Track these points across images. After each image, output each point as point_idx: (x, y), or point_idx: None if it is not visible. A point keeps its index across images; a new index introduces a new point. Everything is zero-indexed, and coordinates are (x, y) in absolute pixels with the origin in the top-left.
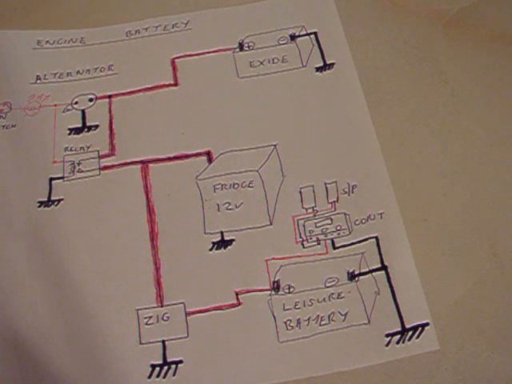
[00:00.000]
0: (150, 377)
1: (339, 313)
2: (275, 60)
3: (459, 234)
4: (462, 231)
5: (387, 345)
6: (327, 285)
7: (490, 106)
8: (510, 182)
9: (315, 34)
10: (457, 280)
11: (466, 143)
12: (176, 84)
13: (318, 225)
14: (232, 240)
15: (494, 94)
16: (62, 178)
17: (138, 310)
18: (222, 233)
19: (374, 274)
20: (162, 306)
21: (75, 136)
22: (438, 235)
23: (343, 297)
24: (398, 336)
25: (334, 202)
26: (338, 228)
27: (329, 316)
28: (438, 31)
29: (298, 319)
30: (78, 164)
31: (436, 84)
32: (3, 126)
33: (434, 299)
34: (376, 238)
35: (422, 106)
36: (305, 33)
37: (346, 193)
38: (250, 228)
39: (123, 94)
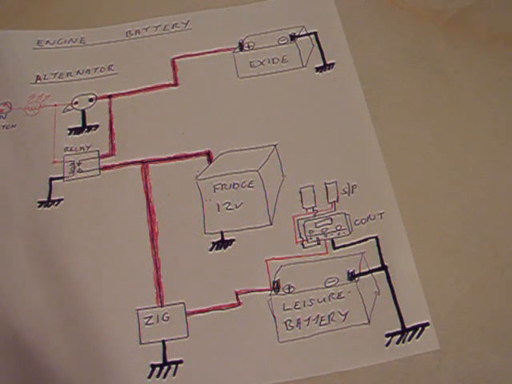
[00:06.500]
0: (149, 377)
1: (339, 313)
2: (275, 60)
3: (459, 234)
4: (462, 231)
5: (387, 345)
6: (327, 285)
7: (490, 105)
8: (511, 182)
9: (315, 34)
10: (457, 280)
11: (466, 143)
12: (176, 84)
13: (318, 225)
14: (232, 240)
15: (494, 93)
16: (62, 178)
17: (137, 310)
18: (222, 233)
19: (374, 274)
20: (162, 306)
21: (75, 136)
22: (438, 235)
23: (343, 297)
24: (398, 336)
25: (334, 201)
26: (338, 228)
27: (329, 316)
28: (438, 31)
29: (298, 319)
30: (78, 164)
31: (436, 84)
32: (3, 126)
33: (434, 299)
34: (376, 238)
35: (422, 105)
36: (305, 33)
37: (346, 193)
38: (250, 228)
39: (123, 94)
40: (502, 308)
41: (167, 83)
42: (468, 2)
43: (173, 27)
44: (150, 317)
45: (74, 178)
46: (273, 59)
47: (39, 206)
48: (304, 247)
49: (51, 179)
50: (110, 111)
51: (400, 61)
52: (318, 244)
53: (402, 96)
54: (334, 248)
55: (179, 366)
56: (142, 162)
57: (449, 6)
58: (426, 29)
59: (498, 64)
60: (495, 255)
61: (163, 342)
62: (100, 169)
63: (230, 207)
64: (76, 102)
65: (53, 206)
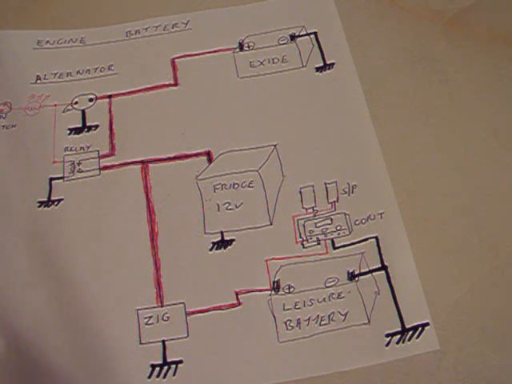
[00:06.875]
0: (149, 377)
1: (339, 313)
2: (275, 60)
3: (459, 234)
4: (462, 231)
5: (387, 345)
6: (327, 285)
7: (489, 105)
8: (510, 182)
9: (315, 34)
10: (457, 280)
11: (465, 143)
12: (176, 84)
13: (318, 225)
14: (232, 240)
15: (493, 93)
16: (62, 178)
17: (138, 310)
18: (222, 233)
19: (374, 273)
20: (162, 306)
21: (75, 136)
22: (438, 235)
23: (343, 297)
24: (398, 336)
25: (334, 201)
26: (338, 228)
27: (329, 316)
28: (437, 31)
29: (298, 319)
30: (78, 164)
31: (436, 84)
32: (3, 126)
33: (434, 299)
34: (376, 238)
35: (422, 105)
36: (305, 33)
37: (345, 193)
38: (250, 228)
39: (123, 94)
40: (502, 308)
41: (167, 83)
42: (468, 1)
43: (173, 27)
44: (150, 317)
45: (74, 178)
46: (273, 59)
47: (39, 206)
48: (304, 247)
49: (51, 179)
50: (109, 111)
51: (400, 61)
52: (318, 244)
53: (402, 96)
54: (334, 248)
55: (179, 365)
56: (142, 161)
57: (449, 5)
58: (426, 29)
59: (498, 64)
60: (495, 255)
61: (163, 341)
62: (100, 169)
63: (230, 207)
64: (76, 102)
65: (53, 206)
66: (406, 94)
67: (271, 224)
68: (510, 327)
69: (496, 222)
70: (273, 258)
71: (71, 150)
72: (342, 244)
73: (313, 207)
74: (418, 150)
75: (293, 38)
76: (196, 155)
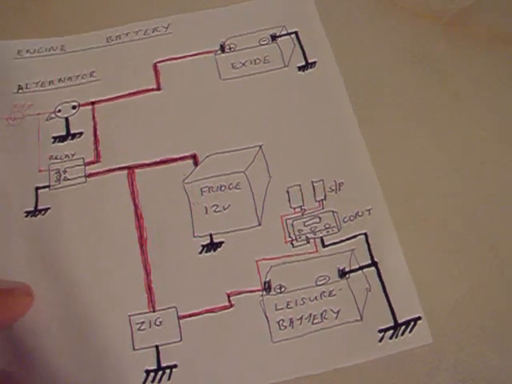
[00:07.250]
0: (144, 382)
1: (331, 310)
2: (257, 61)
3: (459, 234)
4: (462, 231)
5: (380, 340)
6: (318, 283)
7: (489, 105)
8: (510, 182)
9: (296, 33)
10: (457, 280)
11: (465, 143)
12: (159, 88)
13: (306, 224)
14: (221, 242)
15: (493, 94)
16: (48, 186)
17: (129, 316)
18: (211, 235)
19: (364, 270)
20: (154, 311)
21: (59, 144)
22: (438, 235)
23: (335, 294)
24: (391, 331)
25: (322, 200)
26: (327, 226)
27: (321, 314)
28: (437, 31)
29: (291, 319)
30: (64, 172)
31: (436, 84)
32: None
33: (434, 299)
34: (365, 234)
35: (421, 106)
36: (285, 32)
37: (333, 191)
38: (238, 229)
39: (106, 100)
40: (501, 308)
41: (150, 88)
42: (468, 1)
43: (153, 31)
44: (143, 322)
45: (60, 186)
46: (255, 60)
47: (26, 216)
48: (294, 246)
49: (37, 188)
50: (93, 118)
51: (400, 61)
52: (308, 243)
53: (401, 96)
54: (324, 246)
55: (174, 370)
56: (128, 167)
57: (449, 5)
58: (425, 29)
59: (498, 64)
60: (495, 255)
61: (156, 346)
62: (86, 176)
63: (217, 209)
64: (59, 110)
65: (40, 216)
66: (405, 94)
67: (260, 224)
68: (510, 327)
69: (496, 222)
70: (263, 259)
71: (56, 158)
72: (331, 242)
73: (301, 206)
74: (417, 150)
75: (274, 38)
76: (182, 159)
